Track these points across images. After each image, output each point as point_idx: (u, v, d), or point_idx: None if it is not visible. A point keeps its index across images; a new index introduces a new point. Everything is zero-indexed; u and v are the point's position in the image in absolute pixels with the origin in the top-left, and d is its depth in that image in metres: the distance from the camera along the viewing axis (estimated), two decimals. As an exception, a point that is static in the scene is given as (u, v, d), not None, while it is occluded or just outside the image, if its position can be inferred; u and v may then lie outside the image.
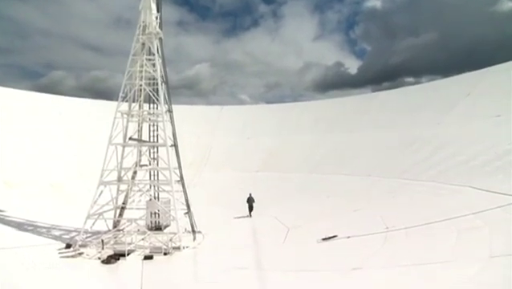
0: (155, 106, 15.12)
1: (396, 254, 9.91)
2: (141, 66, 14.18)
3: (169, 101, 15.01)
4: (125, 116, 14.68)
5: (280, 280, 9.47)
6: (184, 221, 14.50)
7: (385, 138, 23.43)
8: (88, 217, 13.27)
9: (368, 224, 13.11)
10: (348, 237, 12.28)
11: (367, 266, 9.33)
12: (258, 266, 10.84)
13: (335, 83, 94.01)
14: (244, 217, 17.85)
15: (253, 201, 18.44)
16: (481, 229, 9.32)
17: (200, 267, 11.54)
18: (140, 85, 14.21)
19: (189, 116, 30.79)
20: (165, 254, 12.44)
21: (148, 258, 12.03)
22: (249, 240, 14.34)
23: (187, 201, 14.91)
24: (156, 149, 15.69)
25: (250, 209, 18.30)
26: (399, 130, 23.41)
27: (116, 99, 14.18)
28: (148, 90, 14.43)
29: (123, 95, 14.08)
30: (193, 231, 14.68)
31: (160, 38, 14.70)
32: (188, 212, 14.84)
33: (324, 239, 12.63)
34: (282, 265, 10.80)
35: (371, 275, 8.73)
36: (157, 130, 15.38)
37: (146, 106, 15.26)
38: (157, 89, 14.46)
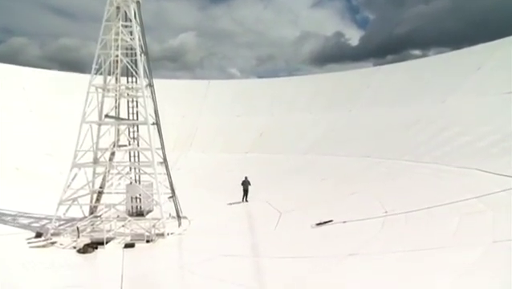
0: (134, 80, 14.76)
1: (395, 240, 10.13)
2: (116, 33, 13.65)
3: (150, 74, 14.66)
4: (100, 90, 14.28)
5: (271, 268, 9.63)
6: (169, 206, 14.53)
7: (386, 117, 23.48)
8: (61, 203, 13.11)
9: (366, 208, 13.31)
10: (344, 222, 12.48)
11: (364, 252, 9.53)
12: (248, 253, 10.98)
13: (334, 56, 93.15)
14: (237, 203, 17.73)
15: (250, 184, 18.28)
16: (484, 213, 9.53)
17: (185, 255, 11.66)
18: (116, 56, 13.73)
19: (173, 92, 30.23)
20: (148, 241, 12.49)
21: (129, 246, 12.05)
22: (238, 226, 14.49)
23: (171, 184, 14.89)
24: (135, 128, 15.49)
25: (245, 193, 18.16)
26: (401, 108, 23.43)
27: (89, 72, 13.73)
28: (125, 61, 13.99)
29: (97, 67, 13.63)
30: (178, 216, 14.75)
31: (138, 2, 14.10)
32: (173, 196, 14.88)
33: (319, 224, 12.81)
34: (274, 252, 10.97)
35: (368, 261, 8.94)
36: (137, 107, 15.12)
37: (124, 80, 14.89)
38: (136, 60, 14.04)
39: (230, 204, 17.44)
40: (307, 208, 15.35)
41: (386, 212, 12.32)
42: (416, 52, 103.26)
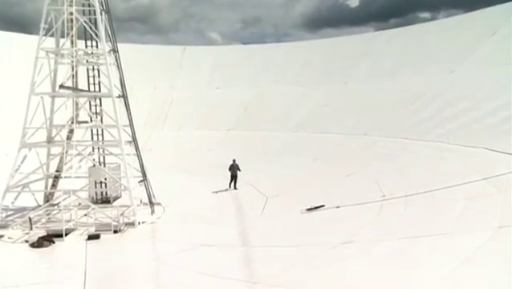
0: (94, 44, 14.28)
1: (393, 226, 10.38)
2: (69, -17, 13.01)
3: (114, 38, 14.28)
4: (52, 55, 13.70)
5: (257, 258, 9.75)
6: (139, 192, 14.51)
7: (387, 90, 23.60)
8: (8, 189, 12.78)
9: (362, 191, 13.52)
10: (338, 206, 12.69)
11: (359, 240, 9.74)
12: (230, 243, 11.13)
13: (329, 20, 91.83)
14: (223, 190, 17.51)
15: (239, 169, 17.86)
16: (492, 196, 9.78)
17: (160, 246, 11.72)
18: (71, 13, 13.11)
19: (142, 59, 29.50)
20: (116, 231, 12.50)
21: (93, 237, 12.00)
22: (218, 212, 14.61)
23: (142, 166, 14.82)
24: (98, 101, 15.17)
25: (233, 179, 17.74)
26: (404, 80, 23.54)
27: (37, 33, 13.14)
28: (82, 21, 13.40)
29: (47, 27, 13.03)
30: (151, 203, 14.76)
31: None
32: (144, 180, 14.83)
33: (309, 209, 12.98)
34: (259, 240, 11.09)
35: (363, 250, 9.14)
36: (99, 76, 14.77)
37: (82, 43, 14.38)
38: (96, 20, 13.48)
39: (215, 192, 17.22)
40: (297, 192, 15.52)
41: (384, 196, 12.55)
42: (425, 15, 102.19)
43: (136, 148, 14.62)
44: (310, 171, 18.04)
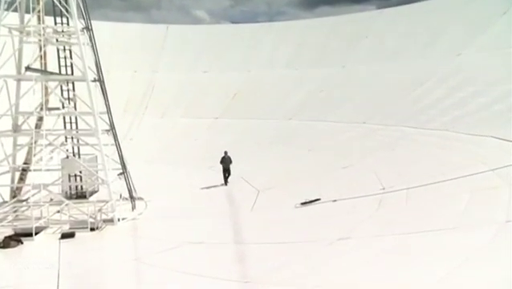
0: (64, 20, 14.00)
1: (393, 221, 10.49)
2: None
3: (87, 14, 13.96)
4: (16, 33, 13.40)
5: (247, 256, 9.82)
6: (119, 186, 14.47)
7: (388, 74, 23.64)
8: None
9: (360, 184, 13.63)
10: (334, 200, 12.78)
11: (357, 236, 9.83)
12: (218, 240, 11.18)
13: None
14: (211, 186, 17.24)
15: (231, 161, 17.42)
16: (499, 188, 9.90)
17: (142, 244, 11.71)
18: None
19: (121, 39, 29.20)
20: (93, 229, 12.48)
21: (67, 236, 11.94)
22: (206, 207, 14.63)
23: (121, 157, 14.76)
24: (71, 86, 14.99)
25: (225, 173, 17.23)
26: (406, 63, 23.58)
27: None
28: (50, -7, 13.16)
29: (9, 0, 12.74)
30: (132, 198, 14.76)
31: None
32: (124, 172, 14.79)
33: (304, 204, 13.07)
34: (250, 237, 11.17)
35: (360, 246, 9.24)
36: (71, 57, 14.56)
37: (50, 20, 14.06)
38: (66, -7, 13.24)
39: (206, 188, 17.02)
40: (291, 185, 15.57)
41: (384, 188, 12.67)
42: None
43: (115, 138, 14.51)
44: (305, 162, 18.10)
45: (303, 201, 13.17)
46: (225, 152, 17.52)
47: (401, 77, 22.71)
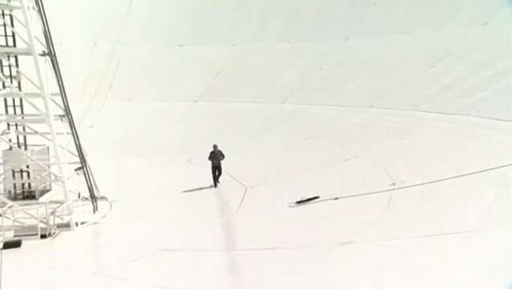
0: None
1: (405, 222, 10.57)
2: None
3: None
4: None
5: (232, 265, 9.87)
6: (76, 183, 14.39)
7: (399, 48, 23.67)
8: None
9: (366, 179, 13.72)
10: (336, 198, 12.83)
11: (362, 240, 9.89)
12: (198, 247, 11.20)
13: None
14: (197, 189, 16.78)
15: (223, 156, 16.81)
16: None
17: (105, 253, 11.64)
18: None
19: (78, 2, 28.80)
20: (44, 236, 12.45)
21: (11, 245, 11.88)
22: (183, 208, 14.64)
23: (79, 149, 14.64)
24: (13, 61, 14.78)
25: (216, 172, 16.65)
26: (423, 34, 23.55)
27: None
28: None
29: None
30: (93, 198, 14.73)
31: None
32: (83, 167, 14.69)
33: (300, 202, 13.11)
34: (236, 243, 11.19)
35: (365, 253, 9.29)
36: (12, 25, 14.34)
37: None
38: None
39: (183, 185, 16.72)
40: (284, 180, 15.62)
41: (394, 184, 12.75)
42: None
43: (71, 125, 14.40)
44: (301, 153, 18.15)
45: (299, 199, 13.21)
46: (215, 146, 16.99)
47: (415, 52, 22.75)
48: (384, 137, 17.41)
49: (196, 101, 26.68)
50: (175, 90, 27.18)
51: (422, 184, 12.10)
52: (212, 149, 16.88)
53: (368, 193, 12.56)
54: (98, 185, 14.92)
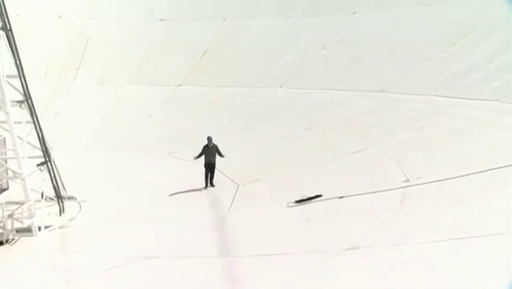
0: None
1: (419, 225, 10.63)
2: None
3: None
4: None
5: (222, 274, 9.95)
6: (40, 180, 14.37)
7: (415, 23, 23.68)
8: None
9: (376, 175, 13.83)
10: (341, 197, 12.90)
11: (369, 245, 9.98)
12: (183, 253, 11.22)
13: None
14: (184, 192, 16.59)
15: (220, 154, 16.47)
16: None
17: (73, 262, 11.70)
18: None
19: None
20: (1, 243, 12.52)
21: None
22: (164, 210, 14.66)
23: (42, 141, 14.62)
24: None
25: (209, 171, 16.41)
26: (442, 8, 23.47)
27: None
28: None
29: None
30: (59, 198, 14.71)
31: None
32: (47, 162, 14.67)
33: (300, 202, 13.19)
34: (227, 248, 11.32)
35: (375, 259, 9.36)
36: None
37: None
38: None
39: (165, 182, 16.76)
40: (281, 176, 15.72)
41: (408, 180, 12.85)
42: None
43: (31, 112, 14.36)
44: (301, 145, 18.19)
45: (299, 198, 13.27)
46: (210, 139, 16.60)
47: (433, 27, 22.69)
48: (397, 127, 17.44)
49: (179, 85, 26.54)
50: (155, 72, 27.02)
51: (440, 180, 12.18)
52: (206, 143, 16.51)
53: (378, 191, 12.65)
54: (65, 183, 14.90)
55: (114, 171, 17.84)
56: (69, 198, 14.84)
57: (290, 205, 13.21)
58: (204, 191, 16.00)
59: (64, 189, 14.87)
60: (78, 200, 14.96)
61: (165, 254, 11.21)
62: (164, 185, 16.64)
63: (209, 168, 16.41)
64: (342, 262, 9.54)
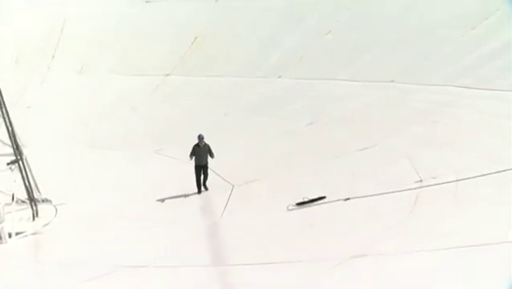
0: None
1: (434, 229, 10.61)
2: None
3: None
4: None
5: (216, 285, 10.03)
6: (10, 181, 14.38)
7: (430, 4, 23.64)
8: None
9: (386, 174, 13.85)
10: (347, 199, 12.92)
11: (378, 252, 9.96)
12: (172, 262, 11.30)
13: None
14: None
15: (211, 154, 16.18)
16: None
17: (48, 273, 11.64)
18: None
19: None
20: None
21: None
22: (150, 214, 14.74)
23: (13, 137, 14.69)
24: None
25: (200, 173, 16.19)
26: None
27: None
28: None
29: None
30: (32, 201, 14.72)
31: None
32: (18, 161, 14.67)
33: (301, 204, 13.23)
34: (218, 256, 11.31)
35: (385, 267, 9.34)
36: None
37: None
38: None
39: (151, 183, 16.81)
40: (281, 176, 15.78)
41: (421, 180, 12.86)
42: None
43: (1, 105, 14.50)
44: (303, 142, 18.22)
45: (300, 200, 13.30)
46: (201, 138, 16.23)
47: (452, 8, 22.60)
48: (410, 121, 17.41)
49: (167, 75, 26.61)
50: (140, 60, 27.09)
51: (457, 180, 12.21)
52: (196, 142, 16.22)
53: (388, 193, 12.65)
54: (39, 184, 14.90)
55: (94, 171, 17.84)
56: (43, 201, 14.83)
57: (290, 208, 13.25)
58: (195, 194, 15.99)
59: (38, 190, 14.88)
60: (53, 203, 14.97)
61: (151, 263, 11.19)
62: (151, 187, 16.67)
63: (201, 170, 16.19)
64: (347, 271, 9.54)
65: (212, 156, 16.26)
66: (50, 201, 14.95)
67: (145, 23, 28.78)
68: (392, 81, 20.83)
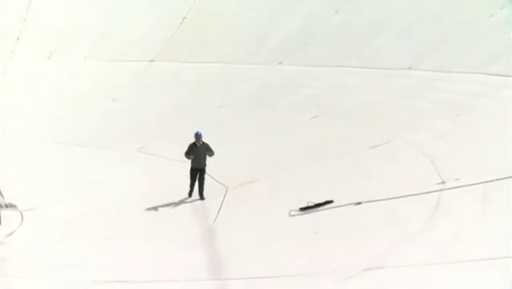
0: None
1: (457, 239, 10.59)
2: None
3: None
4: None
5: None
6: None
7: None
8: None
9: (403, 174, 13.85)
10: (358, 203, 12.91)
11: (394, 264, 9.94)
12: (155, 276, 11.10)
13: None
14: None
15: (210, 153, 15.82)
16: None
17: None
18: None
19: None
20: None
21: None
22: (134, 221, 14.61)
23: None
24: None
25: (196, 177, 15.90)
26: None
27: None
28: None
29: None
30: (-6, 206, 14.78)
31: None
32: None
33: (305, 209, 13.22)
34: (210, 269, 11.38)
35: (401, 281, 9.33)
36: None
37: None
38: None
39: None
40: (282, 176, 15.79)
41: (443, 182, 12.85)
42: None
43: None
44: (307, 138, 18.28)
45: (304, 204, 13.28)
46: (198, 136, 15.79)
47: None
48: (431, 114, 17.49)
49: (152, 60, 26.72)
50: (120, 44, 27.14)
51: (485, 182, 12.18)
52: (193, 141, 15.79)
53: (405, 196, 12.66)
54: (1, 188, 14.81)
55: (66, 172, 17.83)
56: (7, 207, 14.69)
57: (292, 213, 13.21)
58: (181, 196, 15.81)
59: (1, 194, 14.80)
60: (18, 209, 14.85)
61: (132, 277, 11.09)
62: (132, 190, 16.61)
63: (197, 174, 15.85)
64: (359, 286, 9.51)
65: (211, 155, 15.85)
66: (15, 207, 14.79)
67: (126, 2, 28.77)
68: (410, 68, 20.89)
